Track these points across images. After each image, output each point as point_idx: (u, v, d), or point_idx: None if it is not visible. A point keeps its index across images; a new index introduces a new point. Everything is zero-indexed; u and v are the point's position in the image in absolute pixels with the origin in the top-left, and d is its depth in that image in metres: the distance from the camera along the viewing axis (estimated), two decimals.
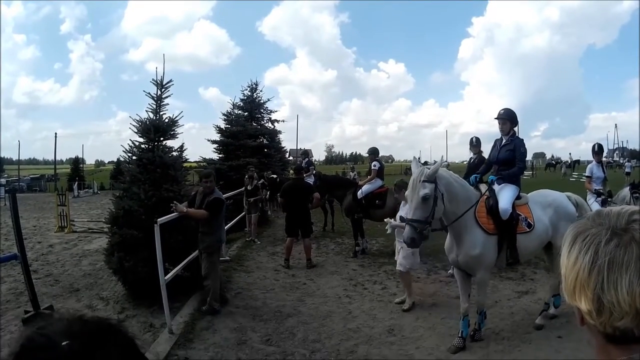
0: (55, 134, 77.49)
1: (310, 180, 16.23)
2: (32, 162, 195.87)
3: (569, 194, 7.99)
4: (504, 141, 7.70)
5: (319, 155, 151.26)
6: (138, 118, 10.33)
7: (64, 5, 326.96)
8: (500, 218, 6.89)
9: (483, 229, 6.79)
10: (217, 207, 8.54)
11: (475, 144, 12.18)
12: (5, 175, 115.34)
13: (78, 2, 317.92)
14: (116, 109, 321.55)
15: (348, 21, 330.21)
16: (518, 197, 7.39)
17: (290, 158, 37.63)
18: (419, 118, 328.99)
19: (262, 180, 17.70)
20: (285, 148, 29.02)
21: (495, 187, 7.36)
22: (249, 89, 23.90)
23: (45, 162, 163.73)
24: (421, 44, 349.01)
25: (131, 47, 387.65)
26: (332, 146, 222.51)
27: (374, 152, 14.08)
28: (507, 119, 7.65)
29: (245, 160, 19.73)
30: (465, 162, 29.49)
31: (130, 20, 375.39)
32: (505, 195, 7.17)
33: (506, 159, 7.57)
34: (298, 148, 64.34)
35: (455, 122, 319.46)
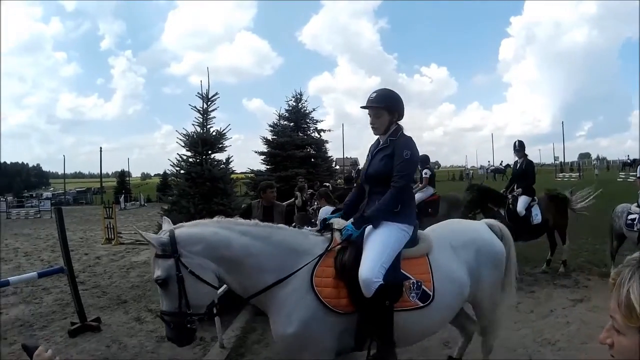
0: (100, 148, 78.95)
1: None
2: (78, 175, 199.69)
3: (490, 221, 5.76)
4: (380, 144, 4.88)
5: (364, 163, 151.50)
6: (184, 132, 10.48)
7: (102, 22, 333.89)
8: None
9: (322, 301, 4.17)
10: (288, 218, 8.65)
11: (518, 148, 11.65)
12: (51, 189, 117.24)
13: (116, 18, 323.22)
14: (160, 122, 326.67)
15: (387, 26, 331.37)
16: (412, 243, 4.72)
17: (337, 167, 37.74)
18: (463, 122, 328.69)
19: (310, 191, 17.76)
20: (332, 157, 29.14)
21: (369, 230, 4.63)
22: (293, 99, 24.44)
23: (91, 176, 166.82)
24: (461, 47, 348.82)
25: (172, 60, 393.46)
26: None
27: (424, 159, 13.95)
28: (382, 106, 4.78)
29: (293, 171, 19.91)
30: (511, 166, 29.29)
31: (170, 34, 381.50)
32: (371, 254, 4.34)
33: (379, 174, 4.69)
34: (345, 157, 64.37)
35: (500, 124, 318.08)
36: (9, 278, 8.19)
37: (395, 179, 4.56)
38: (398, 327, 4.40)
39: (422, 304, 4.48)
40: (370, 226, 4.59)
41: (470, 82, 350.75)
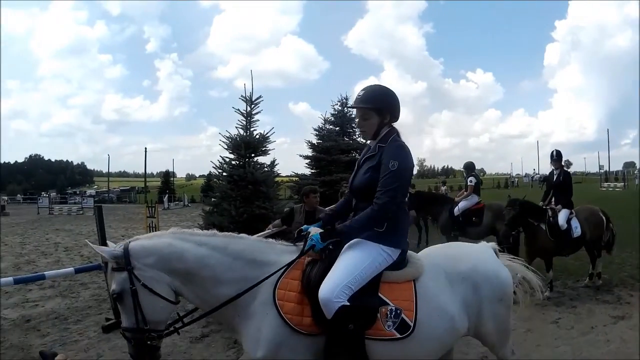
0: (145, 148, 79.59)
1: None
2: (123, 174, 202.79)
3: (495, 245, 5.06)
4: (369, 152, 4.35)
5: None
6: (228, 134, 10.50)
7: (147, 26, 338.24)
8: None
9: (284, 319, 3.86)
10: None
11: (556, 157, 11.09)
12: (95, 187, 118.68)
13: (161, 22, 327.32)
14: (206, 124, 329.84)
15: (432, 31, 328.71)
16: (397, 266, 4.24)
17: None
18: (509, 128, 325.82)
19: None
20: None
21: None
22: (339, 103, 24.04)
23: (136, 175, 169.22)
24: (506, 52, 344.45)
25: (219, 64, 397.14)
26: (424, 160, 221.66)
27: (469, 167, 13.98)
28: (369, 106, 4.23)
29: (338, 176, 19.82)
30: (537, 176, 28.75)
31: (216, 38, 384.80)
32: (337, 272, 3.95)
33: (363, 188, 4.23)
34: None
35: (546, 131, 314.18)
36: (45, 272, 8.24)
37: (378, 194, 4.04)
38: (373, 358, 4.01)
39: (399, 335, 3.98)
40: (350, 242, 4.19)
41: (516, 87, 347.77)
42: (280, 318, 3.83)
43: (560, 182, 10.86)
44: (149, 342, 3.80)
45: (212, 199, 10.83)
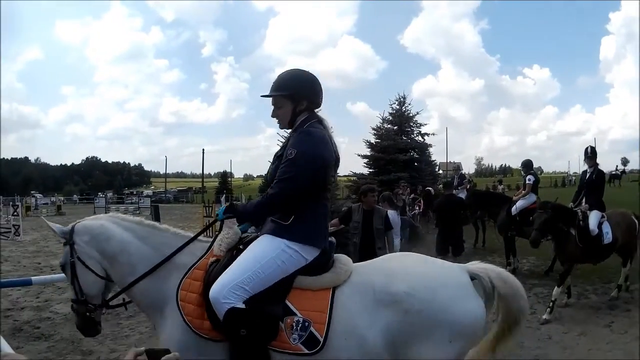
0: (203, 149, 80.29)
1: (463, 194, 16.22)
2: (180, 175, 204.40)
3: (479, 268, 3.99)
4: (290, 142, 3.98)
5: (468, 168, 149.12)
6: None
7: (202, 31, 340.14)
8: None
9: (186, 322, 3.75)
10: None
11: (590, 155, 10.48)
12: (152, 187, 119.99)
13: (216, 27, 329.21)
14: (264, 125, 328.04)
15: (488, 27, 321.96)
16: (316, 271, 3.84)
17: (441, 172, 37.54)
18: (566, 125, 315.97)
19: (412, 195, 17.86)
20: (435, 162, 29.05)
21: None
22: (397, 102, 24.48)
23: (193, 176, 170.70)
24: (562, 46, 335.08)
25: (276, 66, 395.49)
26: (482, 158, 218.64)
27: (527, 164, 13.95)
28: (281, 93, 4.04)
29: (396, 175, 19.97)
30: (613, 172, 28.34)
31: (272, 41, 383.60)
32: (231, 270, 3.73)
33: (270, 178, 4.09)
34: (448, 161, 63.81)
35: (603, 128, 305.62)
36: None
37: (273, 184, 3.81)
38: None
39: (307, 351, 3.58)
40: (257, 239, 3.92)
41: (572, 83, 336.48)
42: (182, 320, 3.74)
43: (593, 181, 10.31)
44: (88, 314, 4.06)
45: None
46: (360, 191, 9.40)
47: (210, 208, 21.78)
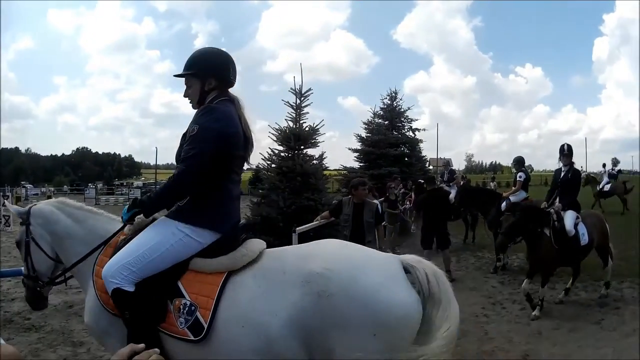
0: None
1: (454, 190, 16.21)
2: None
3: (412, 260, 3.61)
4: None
5: (458, 164, 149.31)
6: (277, 126, 10.70)
7: (194, 22, 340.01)
8: None
9: (98, 297, 3.80)
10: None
11: (566, 152, 9.95)
12: (142, 178, 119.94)
13: (209, 18, 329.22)
14: (255, 117, 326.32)
15: (481, 25, 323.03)
16: (213, 253, 3.68)
17: (431, 167, 37.62)
18: (558, 124, 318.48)
19: (402, 190, 17.84)
20: (425, 157, 29.06)
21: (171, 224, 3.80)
22: (388, 97, 24.65)
23: None
24: (555, 46, 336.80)
25: (268, 59, 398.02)
26: (472, 155, 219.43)
27: (519, 161, 13.91)
28: (191, 72, 3.95)
29: (387, 170, 20.00)
30: (609, 171, 28.41)
31: (265, 33, 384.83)
32: (122, 250, 3.73)
33: (176, 159, 3.90)
34: (438, 157, 63.89)
35: (594, 127, 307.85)
36: None
37: (179, 164, 3.71)
38: (172, 357, 3.57)
39: (193, 337, 3.43)
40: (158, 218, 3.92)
41: (564, 83, 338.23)
42: (95, 295, 3.78)
43: (568, 180, 9.83)
44: (38, 289, 4.27)
45: (260, 191, 11.06)
46: (350, 184, 9.41)
47: None
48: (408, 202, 18.17)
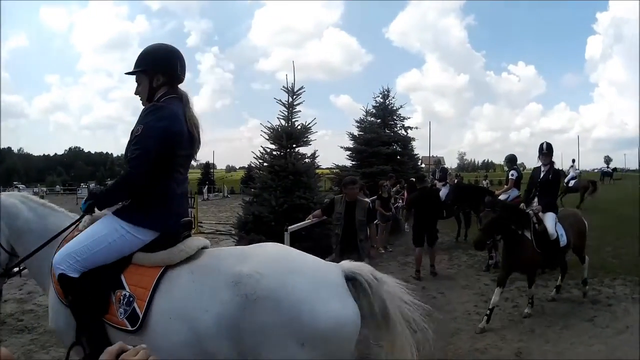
0: None
1: (446, 189, 16.23)
2: None
3: (356, 269, 3.72)
4: None
5: (451, 162, 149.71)
6: (269, 125, 10.68)
7: (187, 20, 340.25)
8: None
9: (54, 289, 3.82)
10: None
11: (545, 151, 9.41)
12: None
13: (202, 17, 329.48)
14: (248, 116, 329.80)
15: (474, 23, 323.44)
16: (151, 248, 3.78)
17: (423, 166, 37.70)
18: (550, 123, 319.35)
19: (395, 188, 17.81)
20: (418, 155, 29.12)
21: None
22: (381, 95, 24.62)
23: None
24: (547, 44, 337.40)
25: (261, 57, 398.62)
26: (464, 153, 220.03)
27: (511, 159, 13.83)
28: (139, 69, 3.97)
29: (379, 168, 20.00)
30: (596, 170, 28.65)
31: (258, 31, 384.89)
32: (70, 242, 3.86)
33: (125, 158, 3.90)
34: (431, 155, 64.01)
35: (587, 126, 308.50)
36: None
37: (125, 164, 3.78)
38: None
39: (130, 327, 3.50)
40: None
41: (557, 81, 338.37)
42: (53, 287, 3.80)
43: (548, 180, 9.35)
44: None
45: (252, 189, 11.04)
46: (342, 183, 9.39)
47: (192, 199, 21.81)
48: (401, 201, 18.14)
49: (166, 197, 3.84)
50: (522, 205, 9.57)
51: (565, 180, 26.79)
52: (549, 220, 8.84)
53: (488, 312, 8.26)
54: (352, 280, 3.59)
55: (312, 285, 3.39)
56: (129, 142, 3.73)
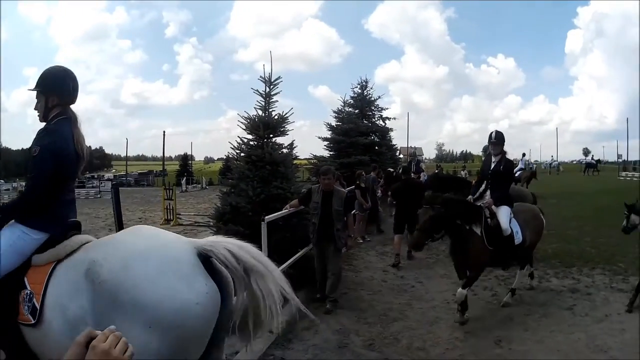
0: (164, 132, 79.52)
1: (423, 177, 16.27)
2: (141, 158, 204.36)
3: (206, 242, 3.81)
4: None
5: (429, 153, 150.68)
6: (247, 115, 10.56)
7: (166, 11, 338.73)
8: None
9: None
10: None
11: (494, 140, 8.56)
12: (113, 171, 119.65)
13: (181, 7, 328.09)
14: (226, 107, 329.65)
15: (454, 16, 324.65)
16: (44, 248, 3.95)
17: (402, 156, 37.75)
18: (529, 115, 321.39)
19: (380, 179, 17.80)
20: (396, 146, 29.11)
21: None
22: (359, 86, 24.51)
23: (154, 159, 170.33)
24: (527, 37, 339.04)
25: (240, 47, 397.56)
26: (443, 144, 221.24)
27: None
28: (37, 89, 4.30)
29: (357, 158, 19.96)
30: (575, 162, 28.75)
31: (237, 22, 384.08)
32: None
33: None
34: (409, 146, 64.23)
35: (566, 118, 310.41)
36: None
37: (26, 182, 4.23)
38: (30, 345, 3.73)
39: (33, 320, 3.65)
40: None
41: (536, 74, 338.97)
42: None
43: (499, 172, 8.49)
44: None
45: (230, 180, 10.95)
46: (319, 172, 9.31)
47: (171, 191, 21.84)
48: (379, 191, 18.08)
49: (57, 206, 4.15)
50: (469, 197, 8.85)
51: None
52: (503, 214, 8.21)
53: (459, 307, 7.84)
54: (207, 257, 3.68)
55: (157, 267, 3.48)
56: (28, 160, 4.08)
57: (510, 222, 8.20)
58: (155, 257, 3.54)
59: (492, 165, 8.54)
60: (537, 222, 9.01)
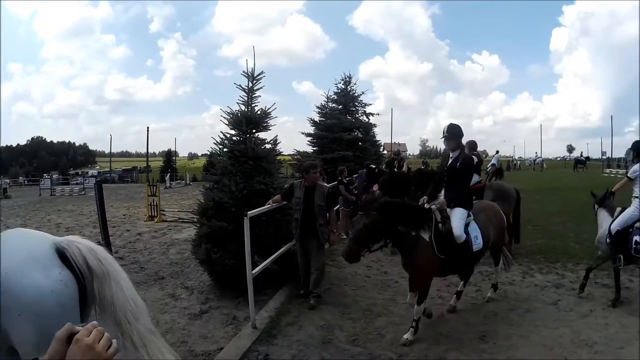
0: (148, 127, 79.16)
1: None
2: (125, 154, 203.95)
3: (61, 239, 3.81)
4: None
5: (413, 149, 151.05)
6: (229, 110, 10.46)
7: (150, 6, 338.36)
8: None
9: None
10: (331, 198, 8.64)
11: (447, 134, 7.41)
12: (97, 167, 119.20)
13: (166, 2, 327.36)
14: (210, 103, 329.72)
15: (439, 12, 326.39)
16: None
17: (385, 152, 37.74)
18: (513, 112, 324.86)
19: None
20: (380, 142, 29.15)
21: None
22: (342, 82, 24.51)
23: (138, 155, 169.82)
24: (512, 35, 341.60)
25: (224, 43, 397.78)
26: (427, 140, 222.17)
27: (472, 145, 13.33)
28: None
29: (340, 154, 19.95)
30: (559, 159, 28.73)
31: (221, 17, 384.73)
32: None
33: None
34: (393, 142, 64.25)
35: (550, 115, 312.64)
36: None
37: None
38: None
39: None
40: None
41: (521, 71, 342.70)
42: None
43: (455, 169, 7.46)
44: None
45: (213, 176, 10.86)
46: (302, 168, 9.24)
47: (155, 187, 21.73)
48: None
49: None
50: (423, 199, 7.85)
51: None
52: (456, 218, 7.23)
53: (414, 323, 7.07)
54: (64, 251, 3.69)
55: (16, 261, 3.46)
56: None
57: (468, 226, 7.41)
58: (15, 251, 3.53)
59: (449, 162, 7.60)
60: (498, 218, 8.31)
